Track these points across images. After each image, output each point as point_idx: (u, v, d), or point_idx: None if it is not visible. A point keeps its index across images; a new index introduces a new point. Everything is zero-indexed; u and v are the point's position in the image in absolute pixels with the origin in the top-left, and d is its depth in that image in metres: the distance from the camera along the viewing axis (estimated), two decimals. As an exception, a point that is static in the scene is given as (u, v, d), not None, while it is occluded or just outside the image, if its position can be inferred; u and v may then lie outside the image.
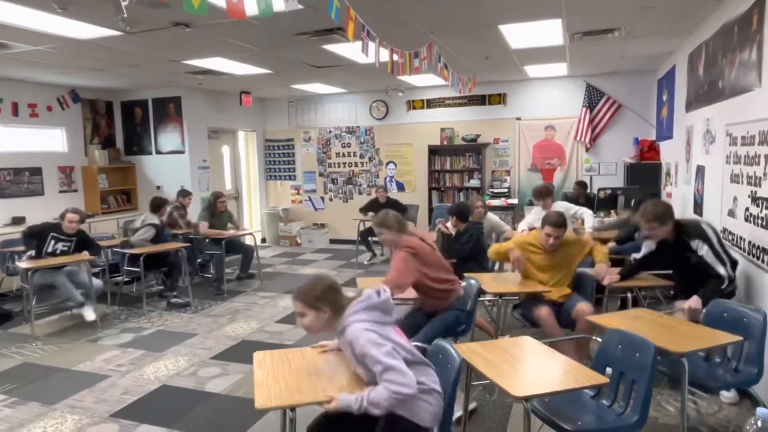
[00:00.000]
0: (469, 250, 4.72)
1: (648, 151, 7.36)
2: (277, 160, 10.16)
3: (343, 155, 9.66)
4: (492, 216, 5.67)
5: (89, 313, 5.18)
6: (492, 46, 5.73)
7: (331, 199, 9.85)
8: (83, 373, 4.10)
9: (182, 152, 8.36)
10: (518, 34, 5.26)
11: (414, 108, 9.07)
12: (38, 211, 7.35)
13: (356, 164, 9.55)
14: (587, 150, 8.18)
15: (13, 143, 7.17)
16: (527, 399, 2.10)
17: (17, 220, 6.98)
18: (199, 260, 7.05)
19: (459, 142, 8.68)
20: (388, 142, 9.31)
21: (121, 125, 8.71)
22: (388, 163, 9.37)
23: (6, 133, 7.07)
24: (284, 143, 10.05)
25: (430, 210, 8.72)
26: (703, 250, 3.34)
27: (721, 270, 3.27)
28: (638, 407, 2.31)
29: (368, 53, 3.57)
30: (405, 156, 9.22)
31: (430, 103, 8.96)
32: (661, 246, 3.61)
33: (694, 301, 3.18)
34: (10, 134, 7.13)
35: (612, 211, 6.26)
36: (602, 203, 6.50)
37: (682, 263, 3.46)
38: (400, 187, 9.32)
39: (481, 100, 8.64)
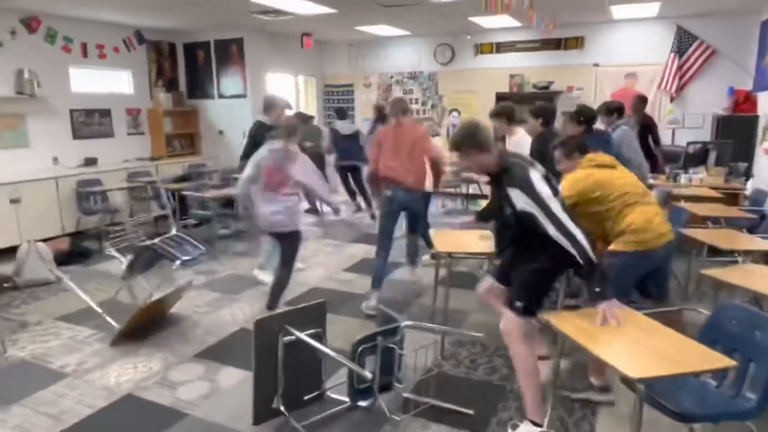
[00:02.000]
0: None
1: (744, 103, 6.73)
2: (336, 106, 9.93)
3: (405, 102, 9.34)
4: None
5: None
6: (583, -19, 5.21)
7: (390, 148, 9.63)
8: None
9: (244, 96, 8.27)
10: (617, -33, 4.73)
11: (482, 52, 8.58)
12: (109, 152, 7.51)
13: (418, 111, 9.22)
14: (672, 100, 7.55)
15: (85, 85, 7.25)
16: (642, 381, 1.85)
17: (90, 161, 7.15)
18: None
19: (530, 90, 8.19)
20: (452, 89, 8.91)
21: (184, 68, 8.67)
22: (451, 111, 9.00)
23: (77, 75, 7.14)
24: (344, 89, 9.80)
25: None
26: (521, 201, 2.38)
27: (551, 230, 2.32)
28: (758, 389, 2.04)
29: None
30: (470, 104, 8.82)
31: (499, 47, 8.44)
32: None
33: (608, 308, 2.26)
34: (81, 75, 7.21)
35: (703, 167, 5.78)
36: (691, 158, 6.00)
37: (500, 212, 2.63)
38: (463, 137, 8.98)
39: (555, 45, 8.06)
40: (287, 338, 2.65)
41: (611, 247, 2.84)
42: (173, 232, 4.51)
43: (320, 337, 2.80)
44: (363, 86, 9.62)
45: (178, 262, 3.98)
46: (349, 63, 9.67)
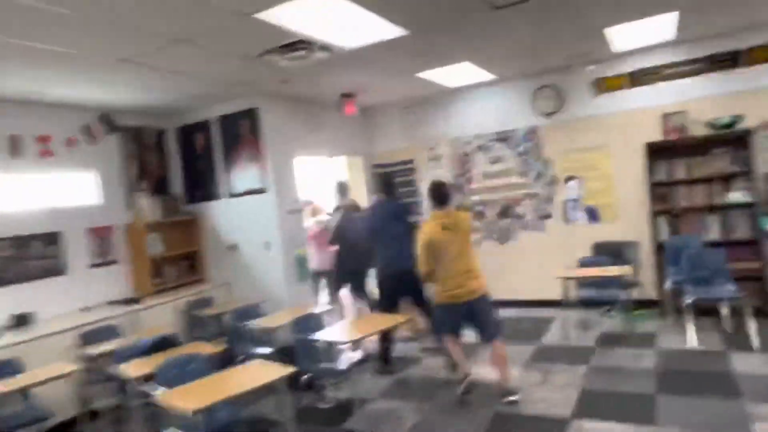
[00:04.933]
0: None
1: None
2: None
3: (494, 175, 6.50)
4: None
5: None
6: None
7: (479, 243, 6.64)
8: None
9: (263, 191, 5.57)
10: None
11: (607, 89, 5.82)
12: (57, 299, 4.74)
13: (515, 186, 6.35)
14: None
15: (14, 198, 4.63)
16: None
17: (21, 320, 4.36)
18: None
19: (701, 132, 5.30)
20: (565, 148, 6.08)
21: (180, 162, 6.11)
22: (567, 180, 6.11)
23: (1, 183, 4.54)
24: (400, 167, 7.08)
25: (659, 247, 5.33)
26: None
27: None
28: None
29: None
30: (597, 166, 5.93)
31: (635, 78, 5.67)
32: None
33: None
34: (8, 184, 4.59)
35: None
36: None
37: None
38: (593, 217, 5.99)
39: (730, 60, 5.25)
40: None
41: None
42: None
43: None
44: (429, 160, 6.88)
45: None
46: (406, 131, 7.04)
